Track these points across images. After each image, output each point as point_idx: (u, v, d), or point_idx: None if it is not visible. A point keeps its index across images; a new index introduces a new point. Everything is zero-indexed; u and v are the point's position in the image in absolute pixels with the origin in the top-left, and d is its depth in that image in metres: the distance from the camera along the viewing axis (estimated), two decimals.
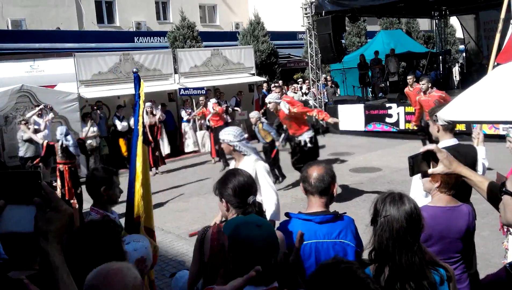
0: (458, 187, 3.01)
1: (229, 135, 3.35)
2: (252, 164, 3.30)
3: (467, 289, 2.39)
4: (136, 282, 1.30)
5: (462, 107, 1.93)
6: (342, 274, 1.11)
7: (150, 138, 11.12)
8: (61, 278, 1.04)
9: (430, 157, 1.79)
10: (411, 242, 1.74)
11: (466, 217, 2.35)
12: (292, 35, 22.44)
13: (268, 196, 3.26)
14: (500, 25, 3.99)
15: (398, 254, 1.73)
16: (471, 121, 1.96)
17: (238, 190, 2.15)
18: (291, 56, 22.03)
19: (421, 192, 2.78)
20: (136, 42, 18.92)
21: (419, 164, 1.80)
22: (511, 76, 1.85)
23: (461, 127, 10.23)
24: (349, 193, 7.29)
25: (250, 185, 2.20)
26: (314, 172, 2.21)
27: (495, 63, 3.87)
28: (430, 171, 1.80)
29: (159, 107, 11.79)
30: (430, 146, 1.79)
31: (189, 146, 12.60)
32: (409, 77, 9.74)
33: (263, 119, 8.63)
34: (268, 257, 1.62)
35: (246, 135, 3.69)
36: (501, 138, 9.18)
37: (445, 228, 2.29)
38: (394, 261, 1.73)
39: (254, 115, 8.55)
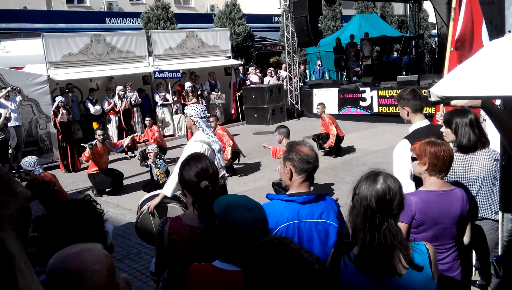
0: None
1: (193, 110, 3.85)
2: (201, 138, 3.76)
3: (459, 277, 2.33)
4: (96, 267, 1.21)
5: (456, 82, 1.89)
6: (275, 249, 1.11)
7: (123, 124, 10.91)
8: (18, 267, 0.95)
9: None
10: (379, 222, 1.68)
11: (459, 202, 2.30)
12: (268, 18, 22.26)
13: (174, 171, 3.46)
14: (452, 14, 4.11)
15: (364, 233, 1.69)
16: (465, 96, 1.92)
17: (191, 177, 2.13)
18: (267, 39, 21.90)
19: (406, 174, 2.76)
20: (108, 23, 18.32)
21: None
22: (506, 51, 1.83)
23: (430, 110, 10.49)
24: (323, 176, 7.41)
25: (204, 171, 2.13)
26: (300, 153, 2.15)
27: (451, 48, 3.98)
28: (453, 102, 1.72)
29: (135, 91, 11.54)
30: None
31: (169, 130, 12.53)
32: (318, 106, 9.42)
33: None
34: (256, 241, 1.62)
35: (208, 114, 4.09)
36: None
37: (438, 213, 2.25)
38: (361, 239, 1.71)
39: (153, 149, 7.24)
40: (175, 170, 3.67)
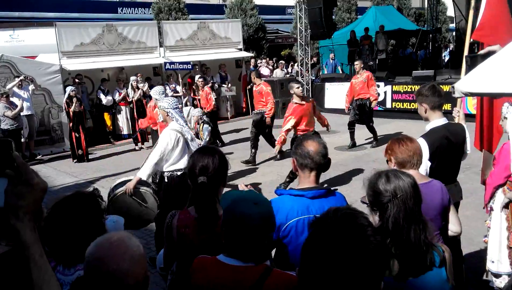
0: (443, 167, 2.96)
1: (165, 102, 4.10)
2: (175, 127, 3.99)
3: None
4: (140, 251, 1.28)
5: (481, 78, 1.84)
6: (340, 220, 1.03)
7: (136, 114, 10.89)
8: (32, 258, 0.96)
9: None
10: (420, 215, 1.71)
11: (439, 192, 2.31)
12: (280, 10, 22.05)
13: (149, 157, 3.96)
14: (472, 2, 3.95)
15: (408, 231, 1.67)
16: (490, 93, 1.86)
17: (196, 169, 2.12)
18: (279, 31, 21.70)
19: (422, 168, 2.72)
20: (120, 13, 18.35)
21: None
22: None
23: (446, 107, 10.25)
24: (335, 172, 7.30)
25: (204, 167, 2.10)
26: (313, 147, 2.12)
27: (471, 40, 3.83)
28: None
29: (146, 82, 11.52)
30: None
31: None
32: (356, 62, 9.23)
33: (205, 118, 7.84)
34: (262, 236, 1.59)
35: (180, 105, 4.35)
36: None
37: (423, 206, 2.22)
38: (402, 238, 1.67)
39: (196, 113, 7.75)
40: (150, 155, 3.96)
